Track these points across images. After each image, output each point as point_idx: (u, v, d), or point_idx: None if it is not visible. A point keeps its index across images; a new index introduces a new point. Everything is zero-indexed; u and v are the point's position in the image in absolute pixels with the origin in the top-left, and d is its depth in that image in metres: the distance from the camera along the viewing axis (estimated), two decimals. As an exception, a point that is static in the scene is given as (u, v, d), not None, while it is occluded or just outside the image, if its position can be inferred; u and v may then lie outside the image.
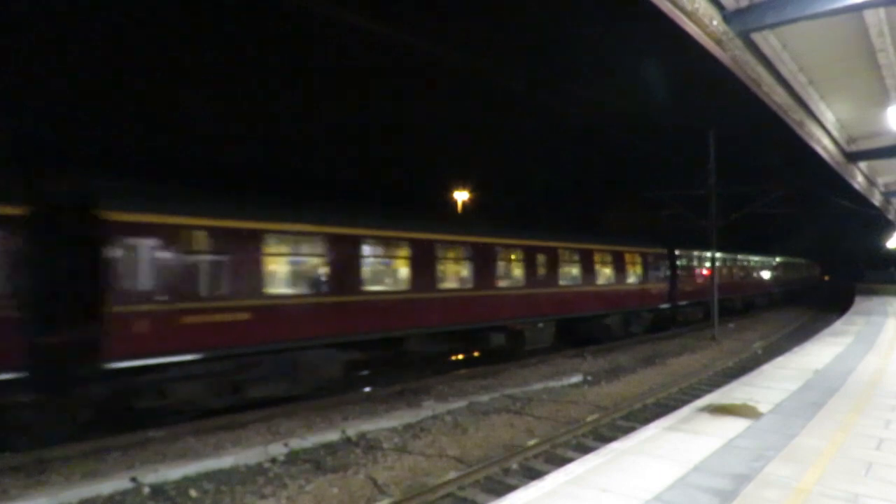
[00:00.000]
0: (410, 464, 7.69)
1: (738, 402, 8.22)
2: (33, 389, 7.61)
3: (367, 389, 11.39)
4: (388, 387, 11.59)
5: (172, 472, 7.04)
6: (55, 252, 8.09)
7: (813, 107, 11.10)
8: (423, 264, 12.51)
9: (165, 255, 8.59)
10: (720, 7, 7.23)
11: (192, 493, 6.68)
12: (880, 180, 21.09)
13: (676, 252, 23.99)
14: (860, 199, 22.81)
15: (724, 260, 28.98)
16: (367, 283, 11.38)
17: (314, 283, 10.58)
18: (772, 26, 7.56)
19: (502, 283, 14.65)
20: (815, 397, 8.63)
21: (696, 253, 25.92)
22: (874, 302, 31.80)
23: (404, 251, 12.25)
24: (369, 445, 8.35)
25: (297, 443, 8.19)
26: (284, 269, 10.36)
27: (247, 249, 9.50)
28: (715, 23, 7.18)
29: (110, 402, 8.35)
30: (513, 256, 15.13)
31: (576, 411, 10.50)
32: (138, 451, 7.81)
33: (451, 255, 13.41)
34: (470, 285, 13.71)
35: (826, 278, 68.12)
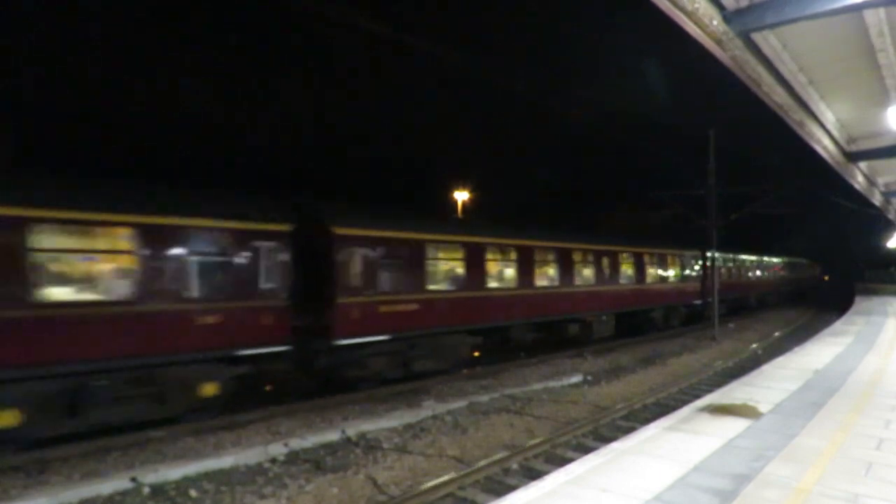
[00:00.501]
0: (410, 464, 7.69)
1: (738, 402, 8.22)
2: (291, 359, 10.23)
3: (367, 390, 11.38)
4: (388, 387, 11.59)
5: (172, 472, 7.04)
6: (305, 257, 10.50)
7: (813, 107, 11.09)
8: (525, 266, 15.26)
9: (368, 258, 11.26)
10: (720, 7, 7.22)
11: (192, 493, 6.68)
12: (880, 180, 21.06)
13: (707, 254, 25.90)
14: (860, 199, 22.79)
15: (736, 260, 31.42)
16: (488, 281, 14.19)
17: (456, 281, 13.38)
18: (772, 26, 7.55)
19: (578, 282, 17.37)
20: (815, 397, 8.63)
21: (723, 255, 28.65)
22: (874, 302, 31.80)
23: (512, 255, 14.98)
24: (369, 445, 8.35)
25: (297, 443, 8.19)
26: (438, 270, 13.07)
27: (415, 255, 12.32)
28: (715, 23, 7.17)
29: (332, 371, 11.04)
30: (585, 259, 17.84)
31: (576, 411, 10.50)
32: (138, 451, 7.80)
33: (543, 258, 16.12)
34: (556, 284, 16.44)
35: (826, 278, 68.09)
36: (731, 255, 29.79)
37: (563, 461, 7.40)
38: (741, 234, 35.88)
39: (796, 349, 14.05)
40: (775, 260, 39.63)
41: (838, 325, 20.14)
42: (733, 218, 24.04)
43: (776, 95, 9.53)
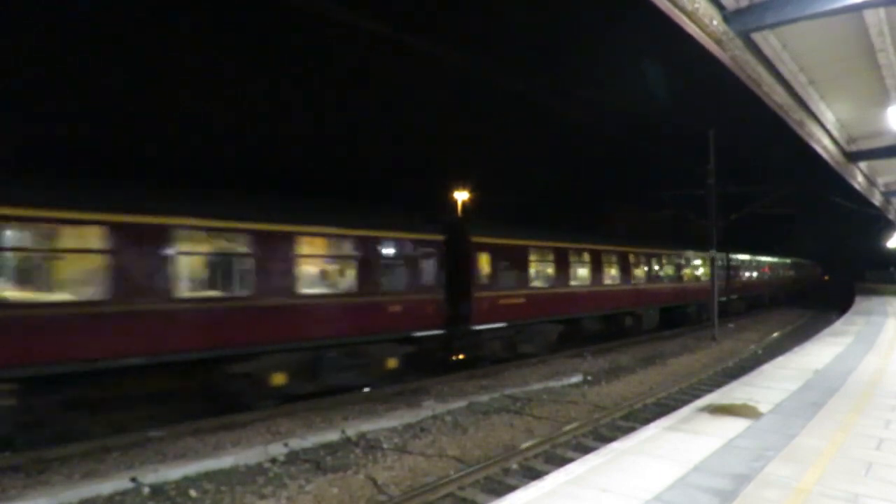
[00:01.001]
0: (410, 464, 7.69)
1: (738, 402, 8.22)
2: (443, 341, 13.02)
3: (367, 389, 11.39)
4: (388, 387, 11.59)
5: (172, 472, 7.04)
6: (453, 260, 13.20)
7: (813, 107, 11.08)
8: (596, 267, 18.16)
9: (492, 261, 14.18)
10: (720, 7, 7.21)
11: (192, 493, 6.68)
12: (880, 180, 21.04)
13: (730, 255, 29.56)
14: (860, 199, 22.79)
15: (756, 262, 35.36)
16: (571, 279, 17.09)
17: (548, 280, 16.24)
18: (772, 26, 7.55)
19: (633, 281, 20.20)
20: (815, 397, 8.63)
21: (744, 257, 32.59)
22: (874, 302, 31.80)
23: (587, 257, 17.90)
24: (369, 445, 8.35)
25: (297, 443, 8.19)
26: (537, 270, 15.96)
27: (521, 258, 15.20)
28: (715, 23, 7.16)
29: (467, 351, 13.88)
30: (638, 261, 20.56)
31: (576, 411, 10.50)
32: (138, 451, 7.80)
33: (608, 260, 18.89)
34: (617, 282, 19.29)
35: (826, 278, 68.09)
36: (752, 257, 33.70)
37: (562, 461, 7.40)
38: (741, 235, 35.96)
39: (796, 349, 14.05)
40: (787, 261, 43.60)
41: (838, 325, 20.14)
42: (733, 218, 24.05)
43: (776, 95, 9.52)
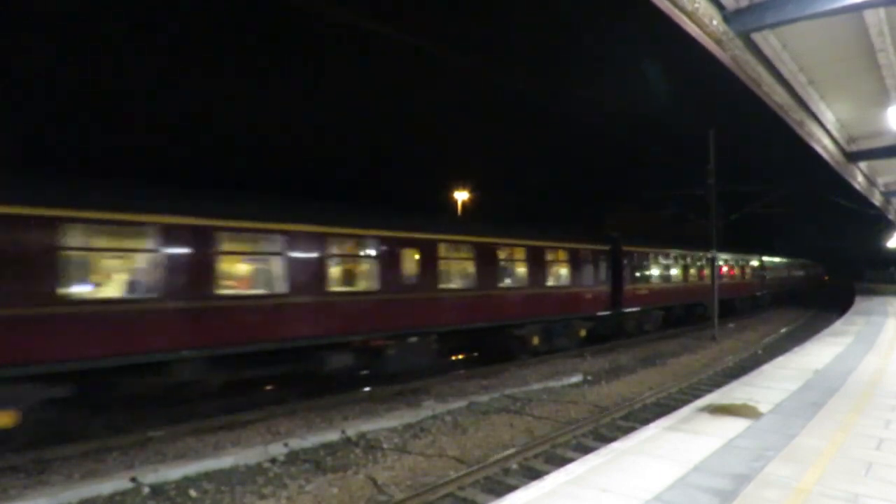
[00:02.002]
0: (410, 464, 7.69)
1: (738, 402, 8.22)
2: (610, 319, 18.65)
3: (367, 389, 11.38)
4: (388, 387, 11.59)
5: (172, 472, 7.04)
6: (612, 263, 18.49)
7: (813, 107, 11.07)
8: (678, 267, 23.40)
9: (635, 262, 19.89)
10: (720, 7, 7.21)
11: (192, 493, 6.68)
12: (880, 180, 21.03)
13: (763, 258, 34.75)
14: (860, 199, 22.78)
15: (779, 263, 40.05)
16: (670, 277, 22.73)
17: (657, 276, 21.62)
18: (772, 26, 7.54)
19: (690, 279, 24.60)
20: (815, 397, 8.63)
21: (776, 258, 38.59)
22: (874, 302, 31.79)
23: (672, 258, 22.98)
24: (369, 445, 8.35)
25: (297, 443, 8.19)
26: (656, 269, 21.47)
27: (647, 260, 20.93)
28: (715, 23, 7.16)
29: (617, 328, 19.19)
30: (681, 262, 23.89)
31: (576, 411, 10.49)
32: (138, 451, 7.80)
33: (683, 262, 23.83)
34: (682, 279, 23.79)
35: (826, 278, 68.09)
36: (777, 259, 38.79)
37: (563, 461, 7.40)
38: (741, 235, 35.99)
39: (796, 349, 14.05)
40: (800, 262, 48.73)
41: (838, 325, 20.14)
42: (733, 218, 24.06)
43: (776, 95, 9.52)
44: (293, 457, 7.86)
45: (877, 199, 22.73)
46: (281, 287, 9.59)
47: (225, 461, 7.46)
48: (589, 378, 13.35)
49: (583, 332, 17.02)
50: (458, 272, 13.47)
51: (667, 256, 22.34)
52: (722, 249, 23.14)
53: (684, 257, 23.78)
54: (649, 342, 19.72)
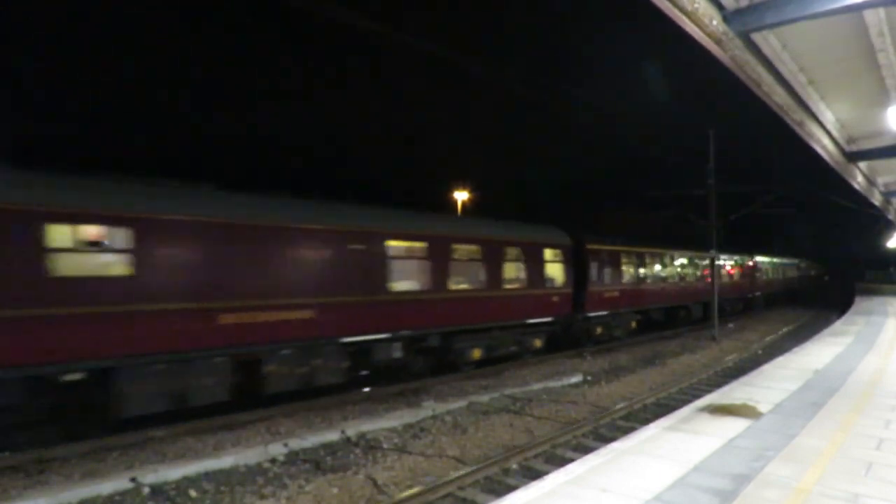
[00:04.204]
0: (410, 464, 7.69)
1: (738, 402, 8.22)
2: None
3: (367, 389, 11.38)
4: (388, 387, 11.59)
5: (172, 472, 7.04)
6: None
7: (813, 107, 11.07)
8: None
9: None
10: (720, 7, 7.21)
11: (192, 493, 6.68)
12: (880, 180, 21.02)
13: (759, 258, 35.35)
14: (860, 199, 22.77)
15: (787, 264, 42.86)
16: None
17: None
18: (772, 26, 7.54)
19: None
20: (815, 397, 8.62)
21: (779, 260, 40.72)
22: (874, 302, 31.78)
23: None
24: (369, 445, 8.35)
25: (296, 443, 8.19)
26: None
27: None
28: (715, 23, 7.16)
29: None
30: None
31: (576, 411, 10.49)
32: (138, 451, 7.80)
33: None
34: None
35: (826, 278, 68.11)
36: (771, 259, 39.10)
37: (562, 461, 7.40)
38: (741, 234, 36.01)
39: (796, 349, 14.04)
40: (797, 262, 49.81)
41: (838, 325, 20.14)
42: (733, 218, 24.04)
43: (776, 95, 9.51)
44: (293, 457, 7.86)
45: (877, 199, 22.72)
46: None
47: (225, 461, 7.46)
48: (589, 378, 13.35)
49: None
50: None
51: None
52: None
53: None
54: (649, 342, 19.71)
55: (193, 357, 8.46)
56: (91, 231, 7.94)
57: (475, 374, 13.39)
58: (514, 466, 7.61)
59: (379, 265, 11.08)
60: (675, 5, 6.55)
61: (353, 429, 8.83)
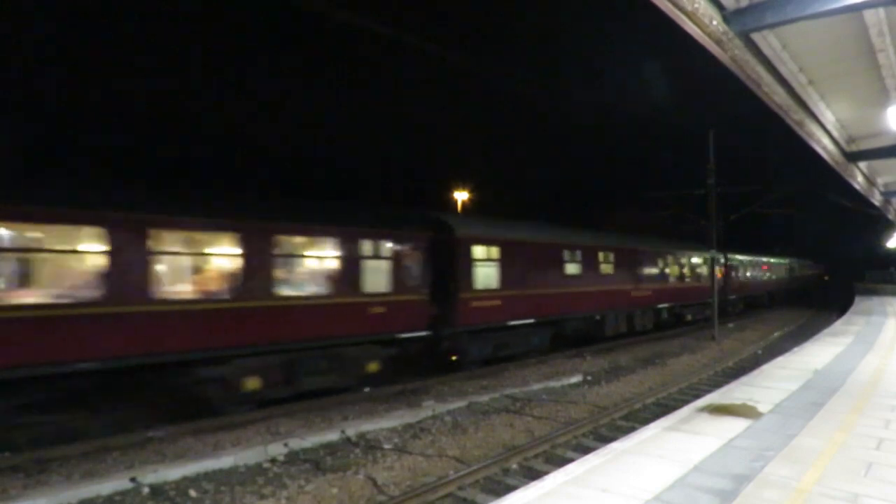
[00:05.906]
0: (410, 464, 7.69)
1: (737, 402, 8.22)
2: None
3: (367, 389, 11.37)
4: (387, 387, 11.58)
5: (172, 472, 7.04)
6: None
7: (813, 107, 11.07)
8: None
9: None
10: (720, 7, 7.20)
11: (192, 493, 6.68)
12: (880, 180, 21.02)
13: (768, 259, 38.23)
14: (860, 199, 22.77)
15: (796, 263, 45.25)
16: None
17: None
18: (772, 26, 7.54)
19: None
20: (814, 397, 8.62)
21: (796, 260, 45.19)
22: (874, 302, 31.78)
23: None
24: (369, 445, 8.35)
25: (296, 443, 8.19)
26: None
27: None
28: (715, 23, 7.15)
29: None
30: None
31: (576, 411, 10.49)
32: (138, 451, 7.80)
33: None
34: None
35: (826, 278, 68.15)
36: (798, 260, 42.16)
37: (562, 461, 7.40)
38: (741, 235, 36.01)
39: (796, 349, 14.04)
40: (788, 261, 50.38)
41: (838, 325, 20.13)
42: (733, 218, 24.05)
43: (776, 95, 9.51)
44: (293, 457, 7.86)
45: (877, 199, 22.72)
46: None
47: (225, 461, 7.46)
48: (589, 378, 13.35)
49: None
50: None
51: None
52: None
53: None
54: (649, 342, 19.71)
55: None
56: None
57: (475, 374, 13.39)
58: (514, 466, 7.62)
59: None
60: (675, 5, 6.54)
61: (353, 429, 8.83)
